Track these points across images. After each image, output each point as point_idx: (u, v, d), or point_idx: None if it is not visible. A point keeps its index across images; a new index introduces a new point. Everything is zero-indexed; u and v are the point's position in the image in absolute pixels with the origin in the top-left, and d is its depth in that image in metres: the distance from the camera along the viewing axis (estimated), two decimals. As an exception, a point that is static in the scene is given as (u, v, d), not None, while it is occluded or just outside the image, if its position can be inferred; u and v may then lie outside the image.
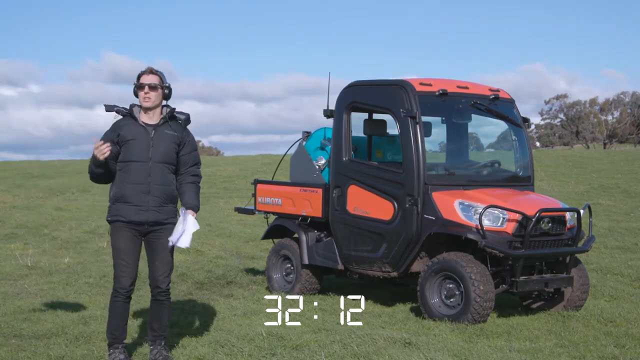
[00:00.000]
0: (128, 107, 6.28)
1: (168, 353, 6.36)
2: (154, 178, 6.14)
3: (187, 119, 6.40)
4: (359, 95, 9.02)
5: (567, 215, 8.42)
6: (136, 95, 6.24)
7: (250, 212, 10.58)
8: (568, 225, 8.40)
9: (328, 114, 9.42)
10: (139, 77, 6.23)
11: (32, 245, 13.09)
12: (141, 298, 8.99)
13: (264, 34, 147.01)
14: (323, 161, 9.57)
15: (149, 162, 6.13)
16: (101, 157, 5.93)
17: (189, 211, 6.19)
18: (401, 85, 8.55)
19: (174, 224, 6.24)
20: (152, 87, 6.17)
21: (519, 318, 8.23)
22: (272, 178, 10.75)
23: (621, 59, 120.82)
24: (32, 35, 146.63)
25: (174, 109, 6.33)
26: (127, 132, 6.17)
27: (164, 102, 6.31)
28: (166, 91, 6.26)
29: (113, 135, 6.17)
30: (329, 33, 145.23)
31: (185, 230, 6.12)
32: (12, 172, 26.78)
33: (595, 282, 9.97)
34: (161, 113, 6.27)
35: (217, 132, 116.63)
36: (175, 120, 6.33)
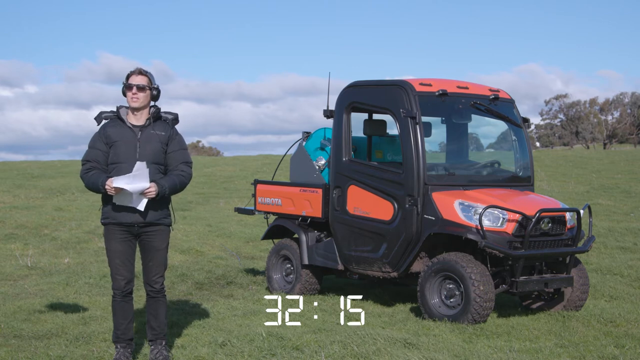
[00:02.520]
0: (115, 109, 6.29)
1: (168, 353, 6.37)
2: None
3: (175, 119, 6.38)
4: (359, 96, 9.02)
5: (567, 215, 8.42)
6: (125, 95, 6.24)
7: (250, 212, 10.58)
8: (568, 225, 8.40)
9: (328, 114, 9.42)
10: (127, 77, 6.24)
11: (32, 246, 13.09)
12: (141, 298, 8.99)
13: (260, 34, 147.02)
14: (323, 161, 9.57)
15: (134, 163, 6.10)
16: (108, 192, 6.04)
17: (147, 173, 5.99)
18: (401, 86, 8.56)
19: (166, 224, 6.26)
20: (141, 88, 6.17)
21: (519, 318, 8.23)
22: (272, 178, 10.75)
23: (617, 59, 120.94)
24: (27, 36, 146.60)
25: (160, 108, 6.32)
26: (113, 134, 6.20)
27: (152, 103, 6.31)
28: (154, 92, 6.25)
29: (102, 138, 6.22)
30: (328, 33, 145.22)
31: (133, 179, 5.95)
32: (12, 173, 26.75)
33: (595, 282, 9.97)
34: (148, 114, 6.27)
35: (215, 133, 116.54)
36: (162, 121, 6.31)
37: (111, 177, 6.06)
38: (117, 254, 6.22)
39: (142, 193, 6.00)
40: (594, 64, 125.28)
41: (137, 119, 6.24)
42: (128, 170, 6.05)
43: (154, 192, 6.02)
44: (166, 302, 6.43)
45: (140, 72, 6.23)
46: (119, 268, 6.23)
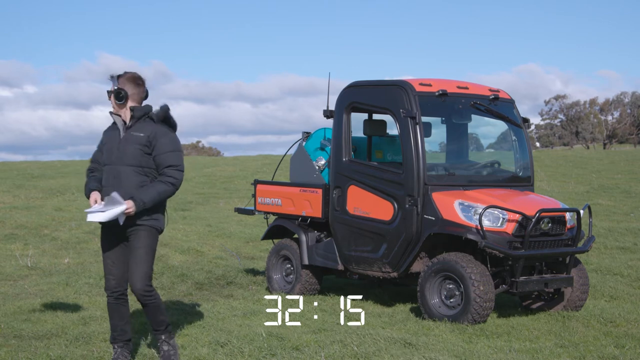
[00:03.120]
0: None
1: (170, 341, 6.26)
2: (121, 180, 6.07)
3: (161, 115, 6.16)
4: (359, 96, 9.02)
5: (567, 215, 8.42)
6: None
7: (250, 212, 10.58)
8: (568, 225, 8.40)
9: (328, 114, 9.43)
10: None
11: (32, 246, 13.09)
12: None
13: (259, 34, 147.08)
14: (323, 161, 9.57)
15: (116, 165, 6.11)
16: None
17: (120, 199, 5.94)
18: (401, 86, 8.55)
19: (150, 226, 6.11)
20: (108, 94, 6.22)
21: (519, 318, 8.24)
22: (272, 178, 10.75)
23: (616, 59, 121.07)
24: (26, 36, 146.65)
25: (135, 107, 6.17)
26: (106, 135, 6.31)
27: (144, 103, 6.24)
28: (121, 93, 6.14)
29: (101, 138, 6.36)
30: (328, 33, 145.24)
31: (105, 207, 5.94)
32: (11, 173, 26.73)
33: (595, 282, 9.97)
34: (130, 114, 6.20)
35: (214, 133, 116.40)
36: (150, 120, 6.18)
37: (93, 189, 6.15)
38: (109, 254, 6.23)
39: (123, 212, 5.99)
40: (593, 64, 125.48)
41: (125, 121, 6.25)
42: (109, 171, 6.11)
43: (133, 210, 5.96)
44: (157, 303, 6.18)
45: (111, 76, 6.24)
46: (110, 268, 6.23)
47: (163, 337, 6.31)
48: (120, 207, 5.90)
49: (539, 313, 8.52)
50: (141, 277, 6.06)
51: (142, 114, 6.19)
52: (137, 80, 6.22)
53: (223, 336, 6.99)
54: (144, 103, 6.31)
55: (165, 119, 6.24)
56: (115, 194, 5.94)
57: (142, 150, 6.09)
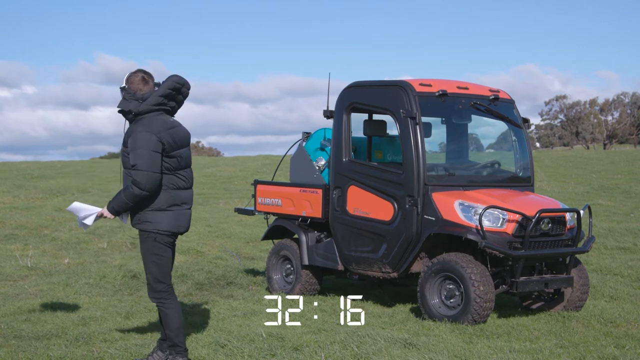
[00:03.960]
0: None
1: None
2: (123, 183, 6.06)
3: (135, 114, 5.98)
4: (359, 96, 9.02)
5: (567, 215, 8.42)
6: None
7: (250, 212, 10.57)
8: (568, 225, 8.40)
9: (328, 114, 9.43)
10: None
11: (32, 246, 13.09)
12: (141, 299, 8.97)
13: (257, 34, 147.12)
14: (323, 162, 9.57)
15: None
16: None
17: (81, 206, 6.13)
18: (401, 86, 8.55)
19: (144, 230, 6.12)
20: None
21: (519, 319, 8.24)
22: (272, 179, 10.75)
23: (614, 60, 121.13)
24: (25, 37, 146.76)
25: (120, 110, 6.08)
26: None
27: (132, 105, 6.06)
28: (122, 93, 6.11)
29: None
30: (327, 33, 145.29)
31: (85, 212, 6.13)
32: (11, 173, 26.73)
33: (595, 282, 9.97)
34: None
35: (214, 133, 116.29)
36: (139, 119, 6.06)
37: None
38: None
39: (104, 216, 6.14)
40: (591, 64, 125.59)
41: None
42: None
43: (106, 214, 6.05)
44: (165, 312, 6.19)
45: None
46: None
47: (167, 352, 6.21)
48: (93, 211, 6.12)
49: (539, 313, 8.52)
50: (149, 282, 6.26)
51: (130, 116, 6.06)
52: (139, 80, 6.09)
53: (223, 336, 6.99)
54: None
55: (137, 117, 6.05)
56: (74, 204, 6.15)
57: (125, 152, 6.00)
